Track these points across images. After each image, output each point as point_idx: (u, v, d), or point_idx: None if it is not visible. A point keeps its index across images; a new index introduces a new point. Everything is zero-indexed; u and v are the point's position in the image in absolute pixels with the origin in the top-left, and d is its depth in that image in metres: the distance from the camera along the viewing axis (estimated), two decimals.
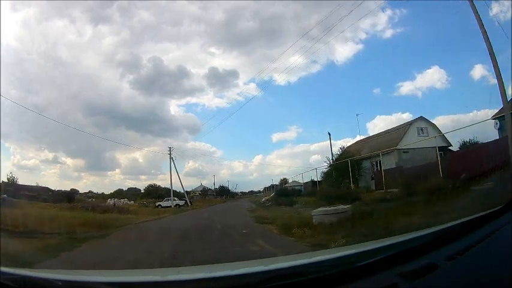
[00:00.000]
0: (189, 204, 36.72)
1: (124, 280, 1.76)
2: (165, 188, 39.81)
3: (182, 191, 39.66)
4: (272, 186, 57.25)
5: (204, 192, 61.05)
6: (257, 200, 44.28)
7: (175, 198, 36.59)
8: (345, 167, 23.13)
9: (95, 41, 46.83)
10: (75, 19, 51.36)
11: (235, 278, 1.58)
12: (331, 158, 27.95)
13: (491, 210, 1.90)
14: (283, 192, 30.96)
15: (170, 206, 34.14)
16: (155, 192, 44.15)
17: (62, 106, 42.12)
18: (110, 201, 32.45)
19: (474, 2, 12.25)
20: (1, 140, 32.62)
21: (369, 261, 1.54)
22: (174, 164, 37.29)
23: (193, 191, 56.86)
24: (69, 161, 50.29)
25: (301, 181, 41.94)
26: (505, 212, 1.84)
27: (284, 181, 56.63)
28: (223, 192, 65.29)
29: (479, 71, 47.91)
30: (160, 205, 35.27)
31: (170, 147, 37.09)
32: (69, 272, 2.86)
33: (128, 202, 34.92)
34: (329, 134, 31.87)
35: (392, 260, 1.56)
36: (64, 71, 42.63)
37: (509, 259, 1.54)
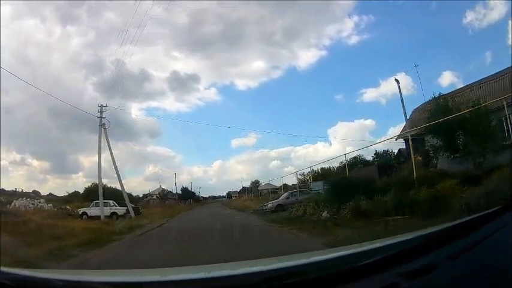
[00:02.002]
0: (133, 214, 23.98)
1: (124, 280, 1.75)
2: (112, 189, 32.90)
3: (138, 194, 36.28)
4: (244, 189, 55.49)
5: (163, 195, 52.37)
6: (235, 205, 38.52)
7: (112, 202, 21.79)
8: (457, 127, 13.13)
9: (62, 41, 46.45)
10: (45, 18, 51.22)
11: (235, 278, 1.56)
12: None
13: (491, 210, 1.87)
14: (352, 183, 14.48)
15: (99, 217, 22.89)
16: (94, 194, 31.89)
17: (29, 107, 42.88)
18: (17, 203, 24.41)
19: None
20: None
21: (368, 261, 1.52)
22: (106, 134, 23.25)
23: (150, 194, 50.40)
24: (35, 163, 50.05)
25: (277, 184, 39.79)
26: (505, 212, 1.81)
27: (256, 184, 53.31)
28: (186, 195, 58.09)
29: (447, 77, 48.75)
30: (85, 214, 23.62)
31: (102, 105, 23.39)
32: (70, 272, 3.01)
33: (45, 206, 25.23)
34: (397, 81, 24.61)
35: (392, 260, 1.54)
36: (32, 71, 41.43)
37: (510, 259, 1.52)
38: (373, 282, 1.42)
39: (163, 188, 51.50)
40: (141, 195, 41.62)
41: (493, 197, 6.58)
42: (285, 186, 37.25)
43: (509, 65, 13.01)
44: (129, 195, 34.83)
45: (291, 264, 1.76)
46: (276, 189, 42.97)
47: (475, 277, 1.48)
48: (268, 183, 44.80)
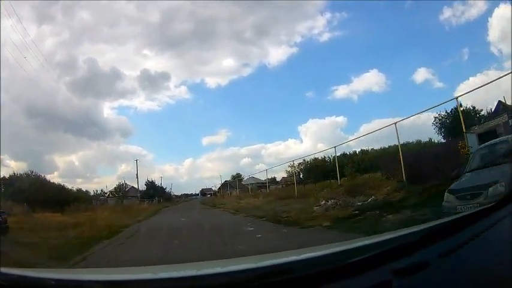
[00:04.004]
0: None
1: (116, 278, 1.71)
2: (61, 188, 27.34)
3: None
4: (225, 183, 51.34)
5: (122, 191, 41.43)
6: (235, 206, 22.80)
7: None
8: None
9: (37, 41, 35.48)
10: (22, 18, 48.80)
11: (225, 276, 1.53)
12: None
13: (485, 207, 1.92)
14: None
15: None
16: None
17: (6, 108, 38.10)
18: None
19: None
20: None
21: (360, 258, 1.52)
22: None
23: (102, 192, 40.41)
24: (12, 163, 46.63)
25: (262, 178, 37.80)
26: (498, 209, 1.83)
27: (238, 177, 47.97)
28: (153, 192, 46.67)
29: (422, 74, 51.05)
30: None
31: None
32: (62, 271, 3.02)
33: None
34: None
35: (384, 257, 1.54)
36: (9, 72, 37.08)
37: (502, 256, 1.55)
38: (365, 279, 1.42)
39: (121, 183, 38.44)
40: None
41: None
42: (273, 180, 34.84)
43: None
44: (84, 193, 32.07)
45: (282, 262, 1.76)
46: (263, 182, 38.72)
47: (468, 274, 1.49)
48: (252, 177, 41.48)
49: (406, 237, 1.81)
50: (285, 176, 39.32)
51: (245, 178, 46.39)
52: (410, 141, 29.52)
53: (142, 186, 47.54)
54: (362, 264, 1.46)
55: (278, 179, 42.09)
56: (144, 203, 37.03)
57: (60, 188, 29.66)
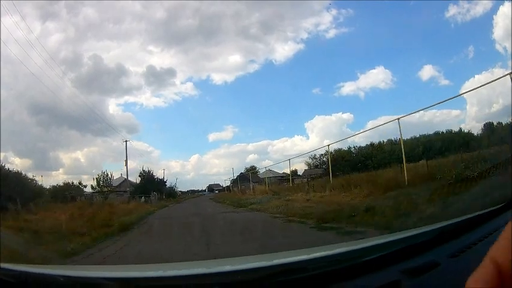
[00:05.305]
0: None
1: (125, 275, 1.72)
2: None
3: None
4: (243, 176, 46.75)
5: (105, 185, 31.71)
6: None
7: None
8: None
9: (42, 38, 41.56)
10: (26, 15, 46.23)
11: (237, 274, 1.54)
12: None
13: (493, 208, 1.94)
14: None
15: None
16: None
17: (10, 105, 38.23)
18: None
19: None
20: None
21: (371, 258, 1.55)
22: None
23: (82, 186, 31.85)
24: (17, 160, 44.57)
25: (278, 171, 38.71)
26: (507, 210, 1.87)
27: (252, 170, 44.33)
28: (150, 186, 35.03)
29: (428, 71, 53.14)
30: None
31: None
32: (70, 267, 3.01)
33: None
34: None
35: (394, 257, 1.58)
36: (12, 69, 36.12)
37: None
38: (375, 279, 1.42)
39: (104, 173, 28.86)
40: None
41: None
42: (295, 172, 33.28)
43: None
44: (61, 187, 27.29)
45: (292, 260, 1.76)
46: (282, 176, 37.06)
47: None
48: (269, 170, 38.90)
49: (416, 238, 1.84)
50: (306, 168, 38.90)
51: (262, 171, 43.19)
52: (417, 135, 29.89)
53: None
54: (371, 264, 1.48)
55: (293, 173, 42.46)
56: (134, 200, 27.34)
57: (12, 177, 19.99)
